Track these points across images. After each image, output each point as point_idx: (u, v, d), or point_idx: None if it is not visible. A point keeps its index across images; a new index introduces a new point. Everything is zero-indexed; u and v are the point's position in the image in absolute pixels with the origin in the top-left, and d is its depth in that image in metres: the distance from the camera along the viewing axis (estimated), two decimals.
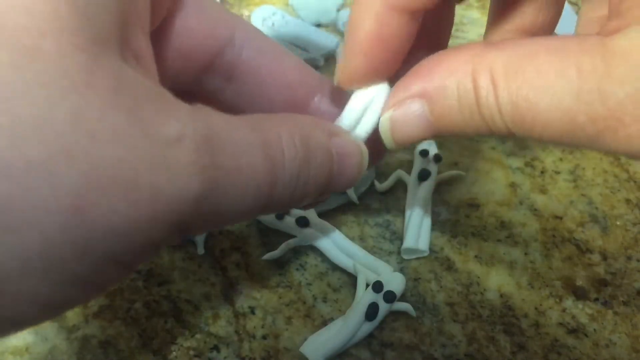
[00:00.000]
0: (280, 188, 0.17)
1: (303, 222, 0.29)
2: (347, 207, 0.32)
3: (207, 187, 0.14)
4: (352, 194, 0.32)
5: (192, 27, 0.19)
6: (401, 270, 0.30)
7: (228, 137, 0.15)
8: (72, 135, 0.12)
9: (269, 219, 0.30)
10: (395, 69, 0.20)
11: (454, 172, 0.33)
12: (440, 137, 0.19)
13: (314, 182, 0.18)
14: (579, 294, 0.29)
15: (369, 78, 0.19)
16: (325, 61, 0.39)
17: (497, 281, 0.30)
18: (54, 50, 0.12)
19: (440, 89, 0.17)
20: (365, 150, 0.20)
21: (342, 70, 0.19)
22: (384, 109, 0.19)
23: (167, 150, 0.13)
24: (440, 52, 0.18)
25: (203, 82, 0.21)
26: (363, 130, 0.20)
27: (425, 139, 0.19)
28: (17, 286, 0.12)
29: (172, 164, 0.13)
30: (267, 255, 0.30)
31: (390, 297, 0.27)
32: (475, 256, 0.30)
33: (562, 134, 0.16)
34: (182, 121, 0.14)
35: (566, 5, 0.22)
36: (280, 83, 0.21)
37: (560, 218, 0.32)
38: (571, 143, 0.16)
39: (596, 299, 0.29)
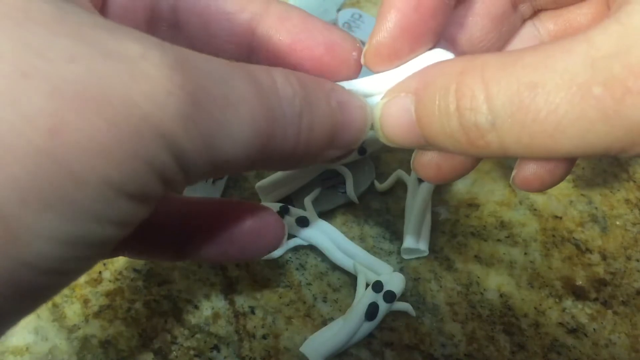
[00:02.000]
0: (282, 127, 0.16)
1: (303, 222, 0.29)
2: (347, 207, 0.32)
3: (188, 103, 0.13)
4: (352, 194, 0.32)
5: None
6: (401, 270, 0.30)
7: (203, 65, 0.14)
8: (25, 60, 0.12)
9: None
10: (433, 42, 0.19)
11: None
12: (423, 145, 0.18)
13: (319, 129, 0.17)
14: (579, 294, 0.29)
15: (399, 56, 0.19)
16: None
17: (497, 281, 0.30)
18: None
19: (426, 87, 0.17)
20: (367, 104, 0.19)
21: (372, 47, 0.18)
22: (382, 96, 0.18)
23: (133, 66, 0.13)
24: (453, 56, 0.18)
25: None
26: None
27: (410, 141, 0.18)
28: (23, 221, 0.12)
29: (141, 78, 0.13)
30: (267, 255, 0.30)
31: (390, 297, 0.27)
32: (475, 256, 0.30)
33: (571, 118, 0.14)
34: (143, 43, 0.13)
35: None
36: (220, 20, 0.20)
37: (560, 218, 0.32)
38: (581, 132, 0.14)
39: (596, 299, 0.29)
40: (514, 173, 0.19)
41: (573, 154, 0.15)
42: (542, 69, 0.14)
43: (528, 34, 0.21)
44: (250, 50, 0.20)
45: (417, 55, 0.19)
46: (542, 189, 0.19)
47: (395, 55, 0.19)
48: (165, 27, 0.20)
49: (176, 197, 0.22)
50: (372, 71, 0.20)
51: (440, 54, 0.19)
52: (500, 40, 0.20)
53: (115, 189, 0.13)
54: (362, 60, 0.19)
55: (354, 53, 0.20)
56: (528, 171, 0.19)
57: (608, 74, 0.14)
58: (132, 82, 0.13)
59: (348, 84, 0.20)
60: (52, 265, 0.13)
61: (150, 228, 0.20)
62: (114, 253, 0.21)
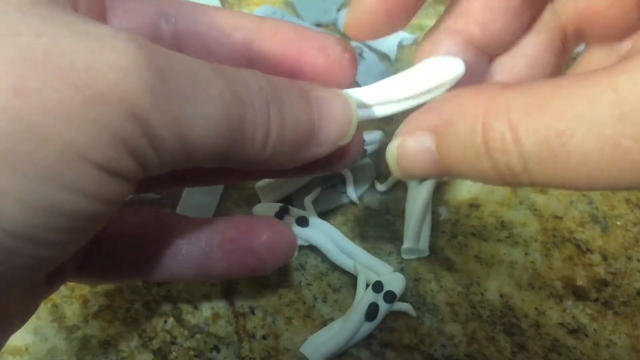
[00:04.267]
0: (251, 114, 0.16)
1: (303, 222, 0.29)
2: (347, 207, 0.32)
3: (155, 77, 0.14)
4: (352, 194, 0.32)
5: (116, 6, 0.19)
6: (401, 270, 0.30)
7: (170, 52, 0.15)
8: None
9: None
10: (407, 21, 0.19)
11: None
12: (446, 176, 0.18)
13: (293, 122, 0.17)
14: (579, 294, 0.29)
15: (379, 26, 0.19)
16: None
17: (497, 281, 0.30)
18: None
19: (448, 126, 0.16)
20: (352, 99, 0.19)
21: (351, 15, 0.19)
22: (395, 135, 0.18)
23: (101, 41, 0.13)
24: (463, 88, 0.17)
25: None
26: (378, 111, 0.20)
27: (430, 175, 0.18)
28: None
29: (108, 50, 0.13)
30: None
31: (390, 297, 0.27)
32: (475, 256, 0.30)
33: (602, 168, 0.14)
34: (115, 29, 0.14)
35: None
36: (219, 39, 0.20)
37: (560, 218, 0.32)
38: (611, 179, 0.14)
39: (596, 299, 0.29)
40: None
41: (602, 190, 0.15)
42: (569, 117, 0.14)
43: (548, 20, 0.20)
44: (249, 65, 0.21)
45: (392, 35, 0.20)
46: None
47: (373, 30, 0.19)
48: (167, 47, 0.20)
49: (195, 219, 0.23)
50: (353, 40, 0.20)
51: (442, 62, 0.19)
52: (519, 30, 0.20)
53: (80, 155, 0.13)
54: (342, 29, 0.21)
55: (346, 55, 0.20)
56: None
57: (637, 129, 0.13)
58: (99, 53, 0.13)
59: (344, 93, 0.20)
60: (27, 231, 0.13)
61: (169, 250, 0.22)
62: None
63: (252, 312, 0.28)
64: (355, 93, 0.20)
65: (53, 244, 0.14)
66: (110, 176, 0.14)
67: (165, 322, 0.28)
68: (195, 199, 0.31)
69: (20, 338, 0.27)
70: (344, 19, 0.20)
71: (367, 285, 0.28)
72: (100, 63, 0.13)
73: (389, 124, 0.35)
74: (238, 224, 0.23)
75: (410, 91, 0.19)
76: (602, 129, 0.14)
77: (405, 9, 0.19)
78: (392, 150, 0.18)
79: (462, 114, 0.16)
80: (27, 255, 0.13)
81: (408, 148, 0.17)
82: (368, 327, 0.27)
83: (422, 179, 0.18)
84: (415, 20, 0.41)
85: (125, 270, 0.23)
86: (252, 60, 0.21)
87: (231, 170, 0.21)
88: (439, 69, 0.19)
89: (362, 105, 0.20)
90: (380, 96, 0.20)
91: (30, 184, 0.12)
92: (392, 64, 0.38)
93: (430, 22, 0.41)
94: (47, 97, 0.12)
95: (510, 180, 0.15)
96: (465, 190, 0.33)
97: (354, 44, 0.39)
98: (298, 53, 0.20)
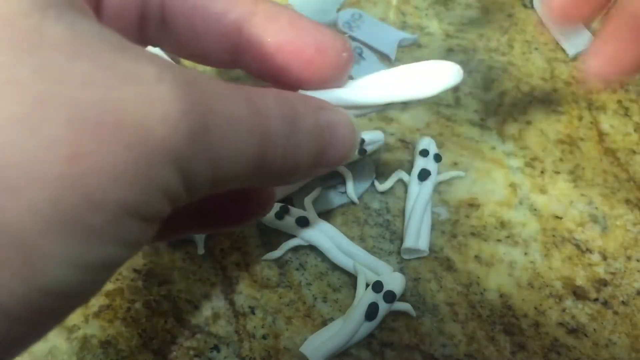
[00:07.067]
0: (272, 145, 0.16)
1: (303, 222, 0.29)
2: (347, 207, 0.32)
3: (198, 125, 0.14)
4: (352, 194, 0.32)
5: None
6: (401, 270, 0.30)
7: (209, 86, 0.15)
8: (42, 86, 0.12)
9: (269, 219, 0.30)
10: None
11: (454, 172, 0.33)
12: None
13: (307, 148, 0.18)
14: (579, 294, 0.29)
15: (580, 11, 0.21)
16: None
17: (497, 281, 0.30)
18: None
19: None
20: (356, 123, 0.19)
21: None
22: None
23: (149, 89, 0.13)
24: None
25: (145, 37, 0.20)
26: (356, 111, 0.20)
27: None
28: (41, 248, 0.12)
29: (157, 101, 0.13)
30: (267, 255, 0.30)
31: (390, 297, 0.27)
32: (475, 256, 0.30)
33: None
34: (157, 65, 0.13)
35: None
36: (207, 21, 0.20)
37: (560, 218, 0.32)
38: None
39: (596, 299, 0.29)
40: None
41: None
42: None
43: None
44: (237, 51, 0.20)
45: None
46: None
47: (572, 17, 0.22)
48: (154, 26, 0.20)
49: None
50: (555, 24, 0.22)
51: (441, 67, 0.19)
52: None
53: (130, 213, 0.13)
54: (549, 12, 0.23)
55: (344, 54, 0.20)
56: None
57: None
58: (148, 106, 0.13)
59: (330, 94, 0.20)
60: (66, 289, 0.13)
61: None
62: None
63: (252, 312, 0.28)
64: (342, 95, 0.20)
65: (88, 292, 0.14)
66: (150, 223, 0.14)
67: (166, 321, 0.28)
68: None
69: None
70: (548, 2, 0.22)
71: (367, 285, 0.28)
72: (151, 118, 0.13)
73: (389, 124, 0.35)
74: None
75: (399, 92, 0.19)
76: None
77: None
78: None
79: None
80: (60, 310, 0.13)
81: None
82: (368, 327, 0.27)
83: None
84: (415, 20, 0.41)
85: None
86: (240, 48, 0.20)
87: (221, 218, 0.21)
88: (437, 73, 0.19)
89: (347, 106, 0.20)
90: (365, 98, 0.20)
91: (82, 247, 0.12)
92: (392, 64, 0.38)
93: (430, 22, 0.41)
94: (102, 159, 0.12)
95: None
96: (465, 190, 0.33)
97: (354, 44, 0.39)
98: (293, 47, 0.20)
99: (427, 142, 0.33)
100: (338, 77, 0.20)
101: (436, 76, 0.19)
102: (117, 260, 0.14)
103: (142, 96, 0.13)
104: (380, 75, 0.20)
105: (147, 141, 0.13)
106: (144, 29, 0.20)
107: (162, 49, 0.21)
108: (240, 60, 0.20)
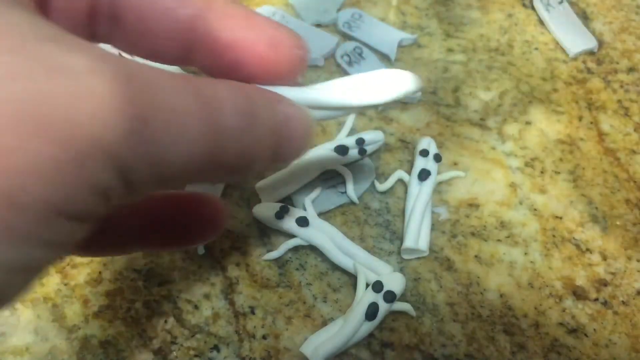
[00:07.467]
0: (226, 139, 0.15)
1: (303, 222, 0.29)
2: (347, 207, 0.32)
3: (135, 119, 0.13)
4: (352, 194, 0.32)
5: None
6: (401, 270, 0.30)
7: (151, 77, 0.14)
8: None
9: (269, 219, 0.30)
10: None
11: (453, 172, 0.33)
12: None
13: (263, 142, 0.17)
14: (579, 294, 0.29)
15: None
16: (325, 61, 0.39)
17: (497, 281, 0.30)
18: None
19: None
20: (311, 117, 0.19)
21: None
22: None
23: (77, 82, 0.12)
24: None
25: (96, 34, 0.19)
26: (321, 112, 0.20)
27: None
28: None
29: (86, 95, 0.12)
30: (267, 255, 0.30)
31: (390, 297, 0.27)
32: (475, 256, 0.30)
33: None
34: (91, 57, 0.13)
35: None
36: (158, 16, 0.19)
37: (560, 218, 0.32)
38: None
39: (596, 299, 0.29)
40: None
41: None
42: None
43: None
44: (190, 48, 0.20)
45: None
46: None
47: None
48: (104, 23, 0.19)
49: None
50: None
51: (398, 75, 0.20)
52: None
53: (56, 212, 0.12)
54: None
55: (298, 51, 0.20)
56: None
57: None
58: (77, 100, 0.12)
59: (283, 90, 0.20)
60: None
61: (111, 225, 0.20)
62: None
63: (252, 312, 0.28)
64: (301, 94, 0.20)
65: (11, 295, 0.13)
66: (82, 222, 0.13)
67: (166, 321, 0.28)
68: None
69: (20, 338, 0.27)
70: None
71: (367, 285, 0.28)
72: (80, 112, 0.12)
73: (389, 124, 0.35)
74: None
75: (353, 97, 0.20)
76: None
77: None
78: None
79: None
80: None
81: None
82: (368, 327, 0.27)
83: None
84: (415, 20, 0.41)
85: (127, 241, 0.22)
86: (192, 45, 0.19)
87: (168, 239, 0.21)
88: (392, 80, 0.19)
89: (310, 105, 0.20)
90: (323, 95, 0.20)
91: (3, 249, 0.12)
92: (392, 64, 0.38)
93: (430, 22, 0.41)
94: (23, 157, 0.11)
95: None
96: (465, 190, 0.33)
97: (354, 43, 0.39)
98: (246, 43, 0.19)
99: (427, 142, 0.33)
100: (292, 74, 0.20)
101: (391, 84, 0.19)
102: (44, 262, 0.13)
103: (69, 89, 0.12)
104: (337, 81, 0.20)
105: (75, 137, 0.12)
106: (94, 26, 0.19)
107: (114, 45, 0.20)
108: (193, 57, 0.20)
